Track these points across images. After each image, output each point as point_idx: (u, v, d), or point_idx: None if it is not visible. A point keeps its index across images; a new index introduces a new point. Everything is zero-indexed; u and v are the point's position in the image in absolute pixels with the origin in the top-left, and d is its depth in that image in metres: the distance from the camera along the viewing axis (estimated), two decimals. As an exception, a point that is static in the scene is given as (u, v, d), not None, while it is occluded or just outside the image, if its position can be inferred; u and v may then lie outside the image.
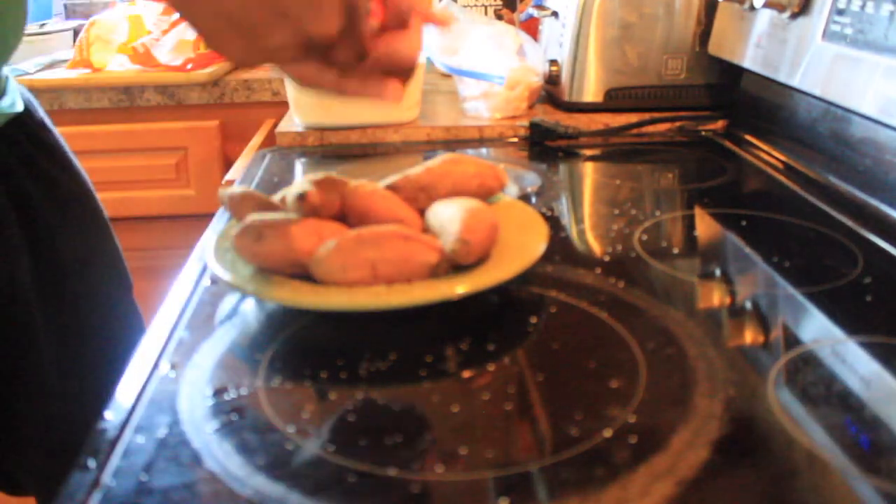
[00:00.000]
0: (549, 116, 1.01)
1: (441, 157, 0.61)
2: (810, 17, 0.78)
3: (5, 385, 0.63)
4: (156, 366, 0.47)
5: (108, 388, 0.43)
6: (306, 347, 0.49)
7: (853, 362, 0.46)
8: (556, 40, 1.08)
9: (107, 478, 0.37)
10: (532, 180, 0.83)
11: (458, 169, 0.60)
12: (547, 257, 0.56)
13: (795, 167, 0.82)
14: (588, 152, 0.93)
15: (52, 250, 0.66)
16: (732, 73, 0.98)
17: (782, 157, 0.85)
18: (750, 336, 0.49)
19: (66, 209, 0.70)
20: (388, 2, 0.44)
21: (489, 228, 0.52)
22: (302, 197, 0.54)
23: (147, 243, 1.41)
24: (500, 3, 1.44)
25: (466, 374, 0.45)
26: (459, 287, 0.49)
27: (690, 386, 0.43)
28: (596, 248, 0.64)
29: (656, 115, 0.99)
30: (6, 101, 0.67)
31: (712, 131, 0.99)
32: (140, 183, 1.38)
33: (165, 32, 1.43)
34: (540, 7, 1.14)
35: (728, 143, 0.93)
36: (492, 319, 0.52)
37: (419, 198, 0.58)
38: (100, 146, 1.36)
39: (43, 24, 1.67)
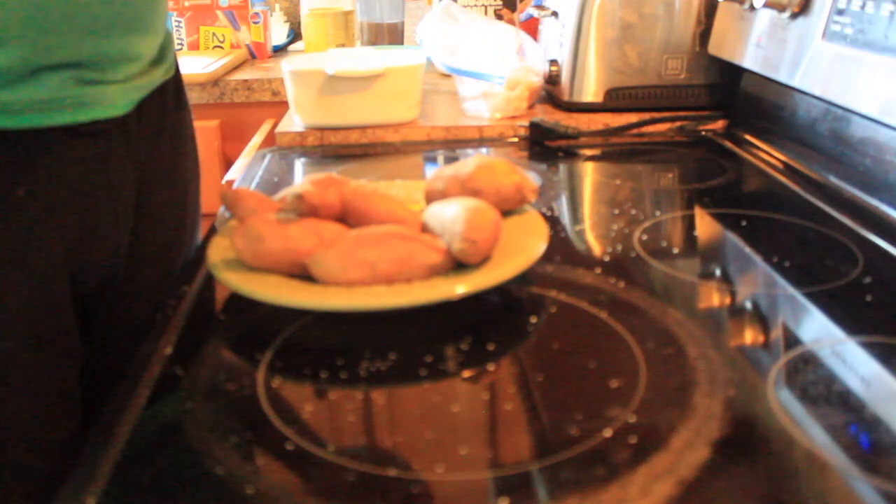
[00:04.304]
0: (549, 116, 1.01)
1: (481, 157, 0.62)
2: (810, 17, 0.78)
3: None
4: (156, 365, 0.47)
5: None
6: (306, 347, 0.49)
7: (853, 362, 0.46)
8: (556, 40, 1.08)
9: (107, 478, 0.37)
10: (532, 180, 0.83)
11: (501, 170, 0.60)
12: (547, 257, 0.56)
13: (795, 167, 0.82)
14: (588, 152, 0.93)
15: (148, 230, 0.66)
16: (732, 73, 0.98)
17: (782, 157, 0.85)
18: (750, 336, 0.49)
19: (175, 194, 0.71)
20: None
21: (494, 227, 0.52)
22: (301, 197, 0.54)
23: (147, 243, 1.40)
24: (500, 3, 1.44)
25: (466, 374, 0.45)
26: (459, 287, 0.49)
27: (690, 386, 0.43)
28: (596, 248, 0.64)
29: (656, 115, 0.99)
30: (165, 63, 0.69)
31: (712, 131, 0.99)
32: (140, 183, 1.38)
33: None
34: (540, 7, 1.14)
35: (728, 143, 0.93)
36: (492, 319, 0.52)
37: (451, 189, 0.60)
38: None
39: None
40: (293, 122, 1.00)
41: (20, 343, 0.54)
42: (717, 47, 0.98)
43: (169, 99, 0.70)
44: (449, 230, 0.52)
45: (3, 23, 0.51)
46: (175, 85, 0.72)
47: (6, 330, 0.54)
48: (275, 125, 1.32)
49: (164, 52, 0.69)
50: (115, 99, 0.59)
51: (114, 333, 0.65)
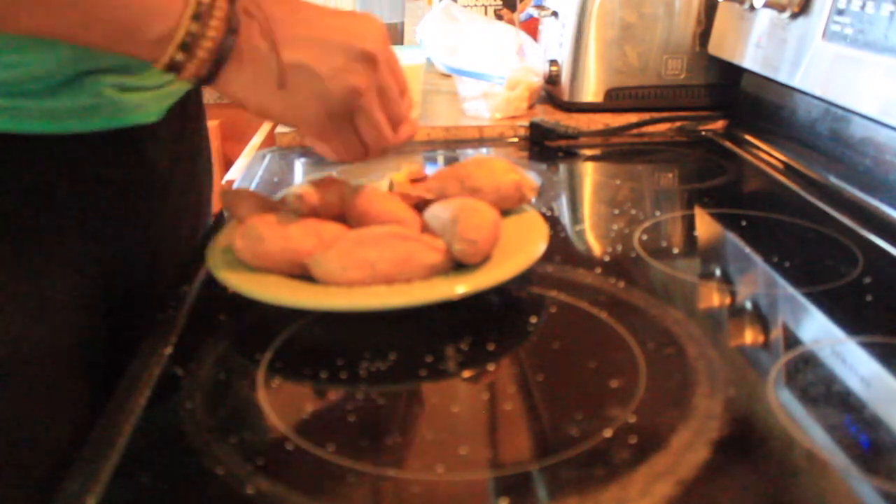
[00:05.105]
0: (549, 116, 1.01)
1: (480, 157, 0.62)
2: (810, 17, 0.78)
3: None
4: (156, 365, 0.47)
5: None
6: (306, 347, 0.49)
7: (853, 362, 0.46)
8: (556, 40, 1.08)
9: (107, 478, 0.37)
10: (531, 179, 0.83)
11: (500, 169, 0.60)
12: (547, 257, 0.56)
13: (795, 167, 0.82)
14: (588, 152, 0.93)
15: (165, 234, 0.67)
16: (732, 73, 0.98)
17: (782, 157, 0.85)
18: (750, 336, 0.49)
19: (192, 199, 0.73)
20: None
21: (493, 227, 0.52)
22: (301, 197, 0.54)
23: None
24: (500, 3, 1.44)
25: (466, 374, 0.45)
26: (459, 287, 0.49)
27: (690, 386, 0.43)
28: (596, 248, 0.64)
29: (656, 115, 0.99)
30: None
31: (712, 131, 0.99)
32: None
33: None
34: (540, 7, 1.14)
35: (728, 143, 0.93)
36: (492, 319, 0.52)
37: (451, 188, 0.60)
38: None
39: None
40: (293, 122, 1.00)
41: (54, 346, 0.55)
42: (717, 47, 0.98)
43: (191, 105, 0.71)
44: (449, 230, 0.52)
45: None
46: (197, 92, 0.73)
47: (44, 331, 0.54)
48: (275, 125, 1.32)
49: None
50: (150, 106, 0.61)
51: (126, 334, 0.65)
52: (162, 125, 0.64)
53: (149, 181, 0.63)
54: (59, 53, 0.52)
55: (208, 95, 1.45)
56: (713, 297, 0.55)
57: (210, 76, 0.47)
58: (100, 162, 0.58)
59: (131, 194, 0.61)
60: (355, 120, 0.52)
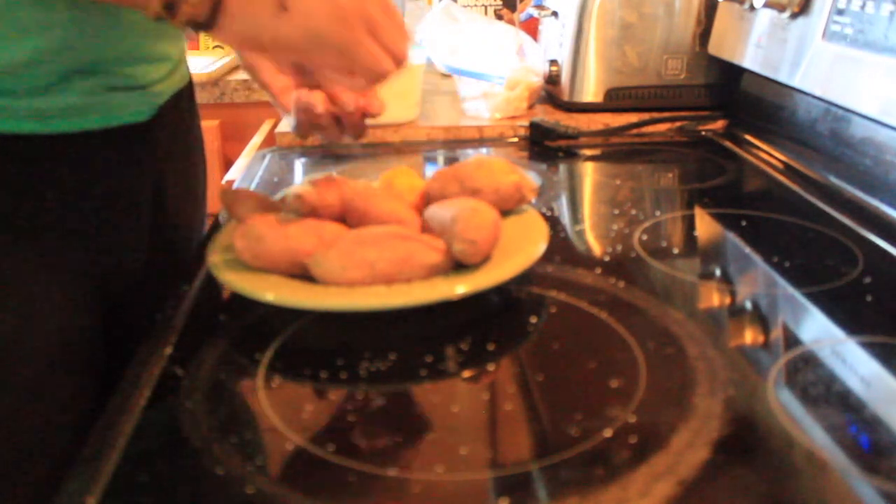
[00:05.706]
0: (549, 116, 1.01)
1: (480, 157, 0.62)
2: (810, 17, 0.78)
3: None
4: (156, 365, 0.47)
5: None
6: (306, 347, 0.49)
7: (853, 362, 0.46)
8: (556, 40, 1.08)
9: (107, 478, 0.37)
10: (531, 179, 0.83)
11: (500, 169, 0.60)
12: (547, 257, 0.56)
13: (795, 167, 0.82)
14: (588, 152, 0.93)
15: (162, 235, 0.68)
16: (732, 73, 0.98)
17: (782, 157, 0.85)
18: (750, 336, 0.49)
19: (187, 198, 0.73)
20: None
21: (493, 227, 0.52)
22: (301, 197, 0.54)
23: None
24: (500, 3, 1.44)
25: (466, 374, 0.45)
26: (459, 287, 0.49)
27: (690, 386, 0.43)
28: (596, 248, 0.64)
29: (656, 115, 0.99)
30: (183, 68, 0.71)
31: (712, 131, 0.99)
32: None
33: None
34: (540, 7, 1.14)
35: (728, 143, 0.93)
36: (492, 319, 0.52)
37: (450, 188, 0.59)
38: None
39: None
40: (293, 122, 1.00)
41: (48, 347, 0.55)
42: (717, 47, 0.98)
43: (183, 104, 0.71)
44: (449, 230, 0.52)
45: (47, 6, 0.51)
46: (189, 91, 0.73)
47: (37, 332, 0.54)
48: (275, 125, 1.32)
49: (183, 56, 0.70)
50: (140, 105, 0.61)
51: (125, 334, 0.66)
52: (154, 124, 0.63)
53: (142, 180, 0.63)
54: (47, 42, 0.52)
55: (208, 96, 1.45)
56: (713, 297, 0.55)
57: (207, 23, 0.46)
58: (92, 162, 0.58)
59: (125, 194, 0.61)
60: (371, 30, 0.49)
